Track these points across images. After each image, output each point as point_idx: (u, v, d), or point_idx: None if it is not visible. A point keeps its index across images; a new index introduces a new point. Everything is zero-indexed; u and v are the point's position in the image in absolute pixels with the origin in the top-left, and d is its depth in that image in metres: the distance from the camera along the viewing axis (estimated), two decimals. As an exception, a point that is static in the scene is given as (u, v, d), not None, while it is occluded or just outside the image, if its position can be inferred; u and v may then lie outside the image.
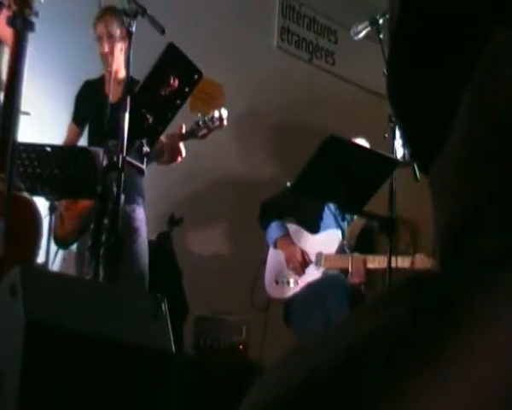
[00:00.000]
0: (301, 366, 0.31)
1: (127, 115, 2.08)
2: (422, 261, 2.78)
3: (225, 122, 2.62)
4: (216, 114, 2.60)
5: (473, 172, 0.33)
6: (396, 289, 0.33)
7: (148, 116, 2.18)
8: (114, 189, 2.04)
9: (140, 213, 2.81)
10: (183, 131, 2.61)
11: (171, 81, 2.20)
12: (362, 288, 3.04)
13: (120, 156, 2.09)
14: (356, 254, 3.03)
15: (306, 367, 0.31)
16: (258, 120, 4.17)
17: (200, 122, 2.59)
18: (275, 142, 4.27)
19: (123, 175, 2.08)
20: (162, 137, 2.54)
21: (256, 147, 4.19)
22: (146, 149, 2.18)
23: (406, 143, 0.40)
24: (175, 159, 2.67)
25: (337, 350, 0.30)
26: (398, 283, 0.33)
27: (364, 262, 2.96)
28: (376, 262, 2.93)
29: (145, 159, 2.18)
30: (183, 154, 2.67)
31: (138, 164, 2.17)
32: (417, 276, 0.33)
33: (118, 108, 2.17)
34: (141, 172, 2.17)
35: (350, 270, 2.99)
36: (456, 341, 0.27)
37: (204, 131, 2.60)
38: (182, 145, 2.66)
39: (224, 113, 2.61)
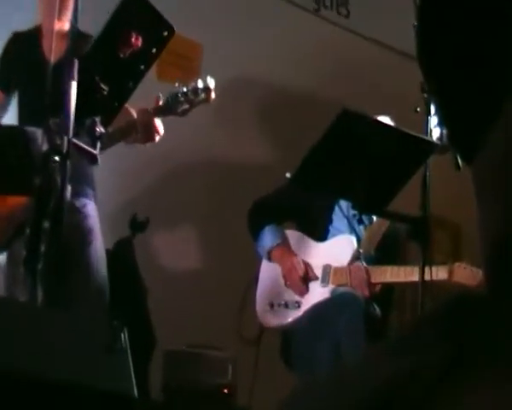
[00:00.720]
0: None
1: (74, 84, 2.08)
2: (463, 272, 2.80)
3: (213, 95, 2.62)
4: (200, 84, 2.60)
5: None
6: (433, 324, 0.36)
7: (103, 86, 2.18)
8: (58, 180, 2.04)
9: (92, 210, 2.81)
10: (160, 103, 2.63)
11: (133, 39, 2.19)
12: (375, 308, 3.06)
13: (65, 138, 2.09)
14: (357, 263, 3.07)
15: None
16: (248, 93, 4.19)
17: (180, 94, 2.59)
18: (270, 120, 4.28)
19: (68, 163, 2.08)
20: (133, 112, 2.53)
21: (246, 127, 4.21)
22: (100, 129, 2.19)
23: (443, 123, 0.43)
24: (151, 138, 2.69)
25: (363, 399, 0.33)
26: (435, 312, 0.36)
27: (367, 273, 3.02)
28: (389, 275, 2.97)
29: (98, 142, 2.18)
30: (161, 131, 2.69)
31: (89, 148, 2.17)
32: (458, 304, 0.36)
33: (61, 72, 2.16)
34: (93, 158, 2.18)
35: (349, 283, 3.04)
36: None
37: (185, 107, 2.60)
38: (159, 121, 2.67)
39: (211, 82, 2.62)
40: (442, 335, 0.35)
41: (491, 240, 0.39)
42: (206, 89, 2.61)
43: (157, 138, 2.69)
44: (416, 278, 2.69)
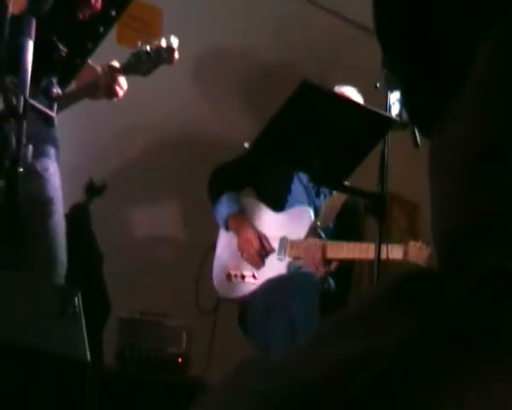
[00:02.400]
0: (257, 394, 0.34)
1: (31, 43, 2.04)
2: (418, 251, 2.83)
3: (176, 55, 2.60)
4: (163, 43, 2.58)
5: (488, 169, 0.37)
6: (388, 302, 0.36)
7: (61, 46, 2.15)
8: (13, 142, 2.00)
9: (54, 174, 2.69)
10: (121, 65, 2.62)
11: (93, 1, 2.17)
12: (330, 284, 3.09)
13: (22, 98, 2.06)
14: (312, 239, 3.08)
15: (265, 396, 0.33)
16: (224, 63, 4.17)
17: (143, 54, 2.57)
18: (246, 92, 4.28)
19: (25, 124, 2.04)
20: (99, 69, 2.52)
21: (221, 98, 4.19)
22: (57, 90, 2.15)
23: (401, 95, 0.43)
24: (115, 93, 2.66)
25: (311, 378, 0.33)
26: (390, 291, 0.37)
27: (323, 249, 3.02)
28: (345, 251, 2.98)
29: (55, 104, 2.15)
30: (125, 87, 2.67)
31: (46, 110, 2.14)
32: (411, 283, 0.36)
33: (18, 28, 2.11)
34: (49, 120, 2.14)
35: (302, 257, 3.05)
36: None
37: (147, 66, 2.58)
38: (123, 79, 2.66)
39: (175, 42, 2.59)
40: (389, 317, 0.35)
41: (446, 225, 0.39)
42: (169, 48, 2.58)
43: (121, 94, 2.67)
44: (370, 255, 2.73)
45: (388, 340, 0.33)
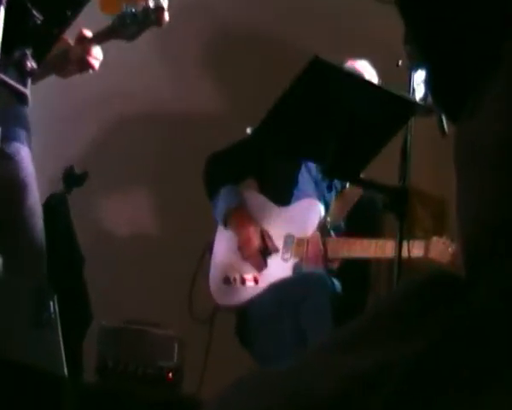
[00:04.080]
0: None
1: (2, 10, 2.03)
2: (441, 248, 2.83)
3: (166, 16, 2.59)
4: (151, 3, 2.57)
5: None
6: (409, 311, 0.38)
7: (37, 13, 2.14)
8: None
9: (26, 158, 2.70)
10: (101, 30, 2.63)
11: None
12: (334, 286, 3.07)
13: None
14: (314, 234, 3.08)
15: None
16: (198, 27, 4.17)
17: (128, 16, 2.56)
18: (228, 64, 4.24)
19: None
20: (70, 40, 2.51)
21: (194, 72, 4.18)
22: (31, 63, 2.14)
23: (428, 75, 0.44)
24: (88, 65, 2.66)
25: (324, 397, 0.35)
26: (411, 299, 0.39)
27: (324, 244, 3.02)
28: (358, 249, 2.97)
29: (29, 79, 2.14)
30: (100, 57, 2.67)
31: (19, 86, 2.13)
32: (433, 290, 0.39)
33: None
34: (22, 97, 2.14)
35: (304, 251, 3.06)
36: None
37: (133, 29, 2.58)
38: (97, 48, 2.66)
39: (165, 1, 2.59)
40: (411, 328, 0.37)
41: (472, 222, 0.41)
42: (158, 8, 2.57)
43: (97, 65, 2.68)
44: (388, 253, 2.75)
45: (409, 352, 0.36)
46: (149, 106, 4.03)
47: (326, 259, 3.01)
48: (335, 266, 3.08)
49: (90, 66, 2.66)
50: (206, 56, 4.23)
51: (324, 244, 3.02)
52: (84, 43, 2.61)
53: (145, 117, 4.03)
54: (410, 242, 2.69)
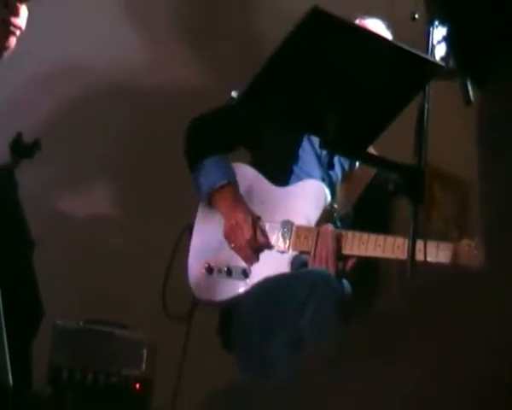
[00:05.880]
0: None
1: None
2: (471, 253, 2.79)
3: None
4: None
5: None
6: (419, 315, 0.45)
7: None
8: None
9: None
10: None
11: None
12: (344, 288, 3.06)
13: None
14: (326, 226, 3.07)
15: None
16: None
17: None
18: (208, 27, 4.27)
19: None
20: None
21: (167, 38, 4.21)
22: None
23: (450, 32, 0.52)
24: (11, 25, 2.65)
25: None
26: (421, 302, 0.45)
27: (338, 241, 3.00)
28: (371, 246, 2.95)
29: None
30: (24, 14, 2.64)
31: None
32: (444, 290, 0.44)
33: None
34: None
35: (313, 251, 3.03)
36: None
37: None
38: (23, 8, 2.63)
39: None
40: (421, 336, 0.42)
41: (499, 207, 0.46)
42: None
43: (21, 25, 2.66)
44: (405, 255, 2.68)
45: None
46: (115, 77, 4.07)
47: (339, 258, 3.01)
48: (349, 266, 3.07)
49: (13, 25, 2.65)
50: (181, 19, 4.26)
51: (339, 239, 3.00)
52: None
53: (111, 89, 4.07)
54: (435, 243, 2.71)
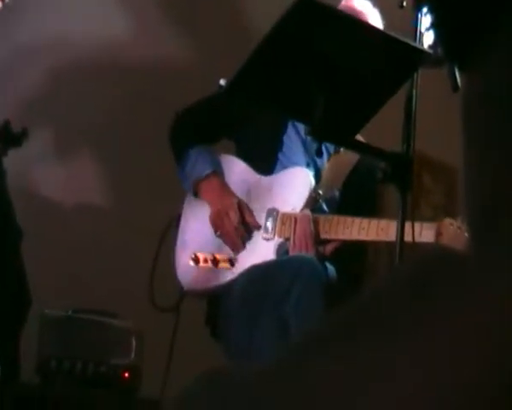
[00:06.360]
0: None
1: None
2: (455, 232, 2.80)
3: None
4: None
5: None
6: (404, 300, 0.43)
7: None
8: None
9: None
10: None
11: None
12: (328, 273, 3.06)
13: None
14: (304, 211, 3.07)
15: None
16: None
17: None
18: (197, 5, 4.24)
19: None
20: None
21: (156, 15, 4.20)
22: None
23: (435, 18, 0.49)
24: None
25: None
26: (407, 286, 0.43)
27: (315, 223, 3.01)
28: (355, 230, 2.95)
29: None
30: None
31: None
32: (431, 274, 0.43)
33: None
34: None
35: (290, 235, 3.04)
36: None
37: None
38: None
39: None
40: (406, 322, 0.40)
41: (479, 192, 0.44)
42: None
43: None
44: (390, 237, 2.71)
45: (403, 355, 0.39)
46: (102, 56, 4.04)
47: (317, 242, 3.00)
48: (329, 250, 3.07)
49: None
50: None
51: (316, 224, 3.00)
52: None
53: (97, 69, 4.04)
54: (419, 224, 2.68)
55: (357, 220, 2.97)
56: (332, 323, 0.43)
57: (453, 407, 0.40)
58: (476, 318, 0.39)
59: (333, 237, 3.02)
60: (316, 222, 3.02)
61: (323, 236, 3.01)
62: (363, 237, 2.95)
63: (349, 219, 2.99)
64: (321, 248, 3.04)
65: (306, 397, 0.39)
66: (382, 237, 2.89)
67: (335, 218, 3.04)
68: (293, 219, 3.07)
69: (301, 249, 3.02)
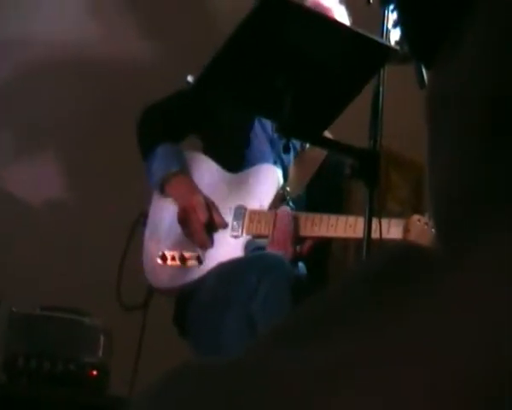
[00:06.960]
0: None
1: None
2: (422, 228, 2.81)
3: None
4: None
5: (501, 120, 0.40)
6: (368, 297, 0.39)
7: None
8: None
9: None
10: None
11: None
12: (300, 272, 3.09)
13: None
14: (283, 209, 3.08)
15: None
16: None
17: None
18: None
19: None
20: None
21: (117, 10, 4.18)
22: None
23: (399, 13, 0.47)
24: None
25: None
26: (372, 282, 0.40)
27: (295, 223, 3.01)
28: (324, 227, 2.96)
29: None
30: None
31: None
32: (398, 270, 0.40)
33: None
34: None
35: (270, 234, 3.05)
36: None
37: None
38: None
39: None
40: (370, 318, 0.39)
41: (443, 189, 0.43)
42: None
43: None
44: (359, 233, 2.71)
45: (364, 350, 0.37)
46: (65, 54, 4.01)
47: (297, 240, 3.00)
48: (305, 248, 3.06)
49: None
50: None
51: (296, 221, 3.00)
52: None
53: (61, 67, 4.02)
54: (385, 221, 2.69)
55: (326, 218, 2.98)
56: (297, 317, 0.43)
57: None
58: (448, 315, 0.38)
59: (304, 234, 3.02)
60: (295, 219, 3.02)
61: (302, 234, 3.01)
62: (331, 233, 2.96)
63: (317, 217, 3.00)
64: (298, 248, 3.03)
65: (274, 388, 0.38)
66: (350, 234, 2.90)
67: (305, 216, 3.04)
68: (272, 216, 3.07)
69: (280, 247, 3.02)
